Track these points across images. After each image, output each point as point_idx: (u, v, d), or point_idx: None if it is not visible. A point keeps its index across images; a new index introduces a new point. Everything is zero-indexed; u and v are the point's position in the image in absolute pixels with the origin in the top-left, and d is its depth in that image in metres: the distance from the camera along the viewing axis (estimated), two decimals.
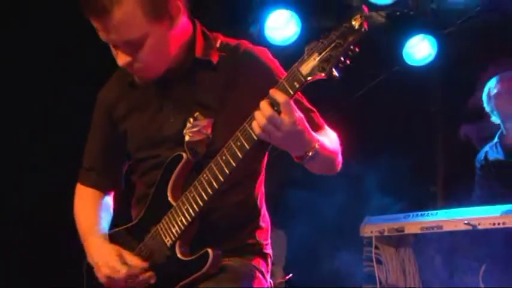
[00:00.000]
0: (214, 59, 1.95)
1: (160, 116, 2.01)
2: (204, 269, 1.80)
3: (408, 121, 4.75)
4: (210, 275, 1.83)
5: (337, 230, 4.11)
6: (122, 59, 1.83)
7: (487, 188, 4.08)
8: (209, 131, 1.92)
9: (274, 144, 1.76)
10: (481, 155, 4.15)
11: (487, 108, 4.09)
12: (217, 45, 1.99)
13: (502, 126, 4.06)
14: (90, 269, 2.01)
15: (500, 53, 4.23)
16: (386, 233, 3.53)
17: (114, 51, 1.89)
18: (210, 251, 1.82)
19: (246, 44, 2.04)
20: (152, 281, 1.87)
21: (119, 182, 2.18)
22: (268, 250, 2.05)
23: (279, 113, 1.56)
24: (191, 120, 1.93)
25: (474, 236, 3.42)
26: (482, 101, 4.10)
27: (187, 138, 1.94)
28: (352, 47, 1.54)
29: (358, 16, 1.55)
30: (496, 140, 4.13)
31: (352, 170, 3.72)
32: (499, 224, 3.28)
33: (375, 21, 3.95)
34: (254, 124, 1.63)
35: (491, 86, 4.04)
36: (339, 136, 1.96)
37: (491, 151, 4.17)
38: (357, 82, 4.39)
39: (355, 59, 1.57)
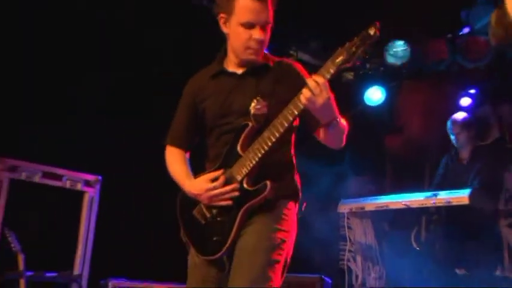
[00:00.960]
0: (271, 64, 2.52)
1: (232, 97, 2.52)
2: (264, 193, 2.31)
3: (367, 140, 5.48)
4: (263, 207, 2.34)
5: (324, 207, 4.86)
6: (261, 35, 2.37)
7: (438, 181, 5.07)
8: (266, 109, 2.43)
9: (312, 111, 2.23)
10: (443, 161, 5.09)
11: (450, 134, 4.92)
12: (270, 56, 2.61)
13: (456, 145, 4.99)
14: (183, 199, 2.54)
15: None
16: (353, 210, 4.78)
17: (246, 34, 2.41)
18: (268, 182, 2.33)
19: (287, 59, 2.66)
20: (235, 194, 2.36)
21: (193, 146, 2.69)
22: (300, 196, 2.57)
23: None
24: (255, 101, 2.45)
25: (408, 211, 4.57)
26: None
27: (252, 111, 2.44)
28: (369, 46, 2.11)
29: (372, 26, 2.14)
30: (452, 153, 5.01)
31: (332, 170, 4.98)
32: (423, 204, 4.46)
33: (348, 77, 5.22)
34: (301, 96, 2.15)
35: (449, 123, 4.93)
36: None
37: (448, 159, 5.10)
38: None
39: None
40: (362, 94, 5.59)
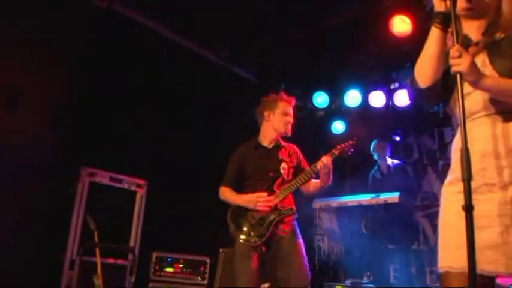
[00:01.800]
0: (283, 143, 3.71)
1: (267, 160, 3.58)
2: (292, 212, 3.46)
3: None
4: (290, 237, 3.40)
5: (304, 204, 4.99)
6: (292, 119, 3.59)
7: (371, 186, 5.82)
8: (287, 169, 3.60)
9: (321, 174, 3.38)
10: (371, 173, 5.92)
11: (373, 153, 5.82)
12: (281, 140, 3.74)
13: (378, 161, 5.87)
14: (234, 209, 3.54)
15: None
16: (323, 206, 5.59)
17: (286, 118, 3.59)
18: (293, 207, 3.51)
19: (289, 143, 3.77)
20: (274, 202, 3.40)
21: (236, 187, 3.65)
22: None
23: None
24: (283, 164, 3.59)
25: (360, 207, 5.41)
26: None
27: (282, 170, 3.58)
28: (349, 149, 3.44)
29: (353, 139, 3.47)
30: (376, 167, 5.90)
31: None
32: (369, 202, 5.30)
33: (320, 114, 6.19)
34: (319, 163, 3.35)
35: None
36: None
37: (374, 172, 5.95)
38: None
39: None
40: (330, 125, 6.45)
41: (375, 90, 5.75)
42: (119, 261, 4.80)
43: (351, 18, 4.92)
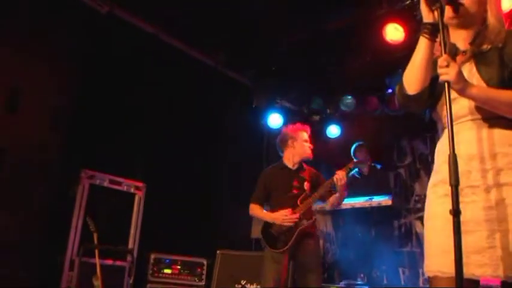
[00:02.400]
0: (304, 166, 4.22)
1: (291, 180, 4.03)
2: (312, 221, 3.96)
3: (330, 162, 5.67)
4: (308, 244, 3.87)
5: None
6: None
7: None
8: (308, 188, 4.04)
9: (338, 187, 3.84)
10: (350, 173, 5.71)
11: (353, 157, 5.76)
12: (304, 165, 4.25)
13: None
14: (265, 225, 4.01)
15: None
16: (318, 209, 5.50)
17: (307, 144, 4.14)
18: (314, 217, 4.01)
19: (311, 167, 4.23)
20: (295, 218, 3.86)
21: (264, 204, 4.16)
22: None
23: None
24: (306, 182, 4.04)
25: (354, 210, 5.51)
26: None
27: (305, 187, 4.05)
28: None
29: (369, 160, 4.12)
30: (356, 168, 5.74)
31: None
32: (363, 205, 5.41)
33: (315, 119, 6.23)
34: (336, 176, 3.76)
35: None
36: None
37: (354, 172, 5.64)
38: None
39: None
40: (325, 129, 6.54)
41: (369, 95, 5.84)
42: (118, 263, 4.86)
43: (346, 25, 5.01)
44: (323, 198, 4.13)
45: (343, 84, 5.86)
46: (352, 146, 5.91)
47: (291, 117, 6.11)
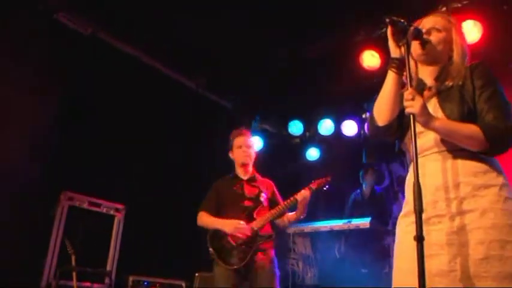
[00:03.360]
0: (258, 176, 3.93)
1: (244, 190, 3.80)
2: (271, 238, 3.66)
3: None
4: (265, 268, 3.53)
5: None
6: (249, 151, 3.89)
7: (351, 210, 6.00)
8: (266, 197, 3.82)
9: (301, 205, 3.65)
10: (352, 196, 6.06)
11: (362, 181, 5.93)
12: (256, 173, 3.97)
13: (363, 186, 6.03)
14: (213, 233, 3.64)
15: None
16: (297, 231, 5.60)
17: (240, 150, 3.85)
18: (273, 233, 3.70)
19: (266, 177, 4.00)
20: (248, 234, 3.55)
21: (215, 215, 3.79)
22: None
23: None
24: (262, 194, 3.82)
25: (333, 232, 5.44)
26: None
27: (261, 198, 3.81)
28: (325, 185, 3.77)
29: (328, 178, 3.80)
30: (359, 190, 6.05)
31: None
32: (342, 227, 5.34)
33: (296, 141, 6.42)
34: (300, 194, 3.60)
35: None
36: None
37: (356, 195, 6.07)
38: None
39: None
40: (305, 152, 6.63)
41: (348, 119, 5.94)
42: (96, 285, 4.80)
43: (325, 51, 5.13)
44: (280, 216, 3.85)
45: (323, 108, 5.95)
46: (330, 168, 5.80)
47: (270, 140, 6.21)
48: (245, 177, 3.98)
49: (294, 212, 3.89)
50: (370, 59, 4.77)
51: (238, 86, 6.03)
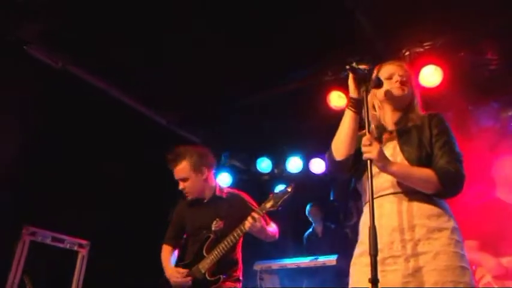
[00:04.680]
0: (224, 195, 3.59)
1: (201, 218, 3.45)
2: (219, 283, 3.22)
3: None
4: None
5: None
6: (184, 187, 3.40)
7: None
8: (222, 226, 3.42)
9: (253, 233, 3.27)
10: (306, 235, 6.15)
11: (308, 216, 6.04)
12: (224, 190, 3.61)
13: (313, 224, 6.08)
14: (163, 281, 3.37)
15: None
16: (264, 268, 5.50)
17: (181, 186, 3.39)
18: (221, 276, 3.24)
19: (235, 190, 3.69)
20: (187, 281, 3.23)
21: (179, 245, 3.64)
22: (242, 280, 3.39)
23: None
24: (214, 221, 3.46)
25: (300, 269, 5.42)
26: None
27: (213, 228, 3.46)
28: (283, 197, 3.27)
29: (290, 186, 3.38)
30: (311, 229, 6.12)
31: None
32: (308, 264, 5.33)
33: (265, 178, 6.44)
34: (246, 223, 3.20)
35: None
36: None
37: (309, 234, 6.16)
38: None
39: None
40: (273, 189, 5.99)
41: (316, 157, 5.99)
42: None
43: (294, 89, 5.20)
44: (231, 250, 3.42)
45: (291, 146, 5.99)
46: (299, 206, 6.01)
47: (239, 176, 6.19)
48: (206, 199, 3.59)
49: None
50: (337, 100, 4.89)
51: (208, 122, 6.01)
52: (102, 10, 4.09)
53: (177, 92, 5.33)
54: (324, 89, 5.03)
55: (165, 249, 3.65)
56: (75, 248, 5.09)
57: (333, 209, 6.28)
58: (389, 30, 4.48)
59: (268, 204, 3.31)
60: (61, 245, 4.96)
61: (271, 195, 3.37)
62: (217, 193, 3.59)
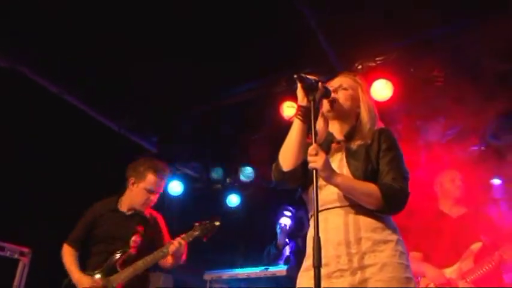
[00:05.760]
0: (146, 213, 3.52)
1: (121, 229, 3.34)
2: None
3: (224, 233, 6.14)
4: None
5: (194, 276, 5.61)
6: (155, 199, 3.39)
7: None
8: (140, 242, 3.36)
9: (173, 257, 3.26)
10: (268, 248, 5.96)
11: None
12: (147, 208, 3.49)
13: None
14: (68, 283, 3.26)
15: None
16: (214, 278, 5.44)
17: (147, 195, 3.31)
18: None
19: (155, 212, 3.58)
20: None
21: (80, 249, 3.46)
22: None
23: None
24: (134, 236, 3.37)
25: (250, 279, 5.37)
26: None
27: (131, 243, 3.36)
28: (212, 231, 3.29)
29: (217, 219, 3.38)
30: (273, 243, 5.93)
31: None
32: (259, 275, 5.28)
33: (217, 187, 6.34)
34: (172, 247, 3.22)
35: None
36: None
37: (271, 247, 6.02)
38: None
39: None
40: (225, 199, 6.61)
41: (268, 167, 5.92)
42: None
43: (249, 99, 5.23)
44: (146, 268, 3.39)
45: (243, 155, 5.98)
46: (251, 215, 6.00)
47: (191, 185, 6.11)
48: (128, 212, 3.47)
49: (169, 261, 3.46)
50: (289, 110, 4.91)
51: (161, 129, 5.94)
52: (52, 11, 4.00)
53: (130, 99, 5.25)
54: (277, 100, 5.04)
55: (69, 251, 3.47)
56: (16, 256, 4.90)
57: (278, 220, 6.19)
58: (343, 43, 4.55)
59: (196, 233, 3.32)
60: (1, 253, 4.79)
61: (197, 224, 3.37)
62: (142, 209, 3.53)
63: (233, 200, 6.59)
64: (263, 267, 5.48)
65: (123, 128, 5.85)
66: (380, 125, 2.34)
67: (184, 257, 3.37)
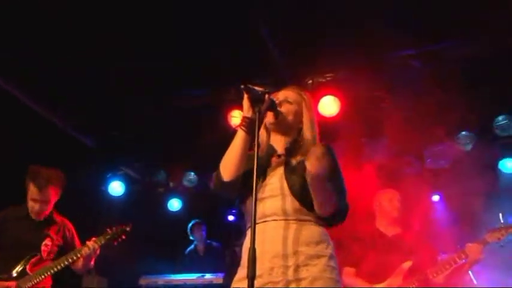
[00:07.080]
0: (57, 219, 3.59)
1: (29, 234, 3.38)
2: None
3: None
4: None
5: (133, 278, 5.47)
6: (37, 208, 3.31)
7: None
8: (50, 247, 3.42)
9: (84, 260, 3.34)
10: (188, 251, 6.12)
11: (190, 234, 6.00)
12: (55, 214, 3.54)
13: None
14: None
15: None
16: (150, 283, 5.37)
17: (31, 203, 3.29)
18: None
19: (64, 218, 3.62)
20: None
21: None
22: None
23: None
24: (45, 241, 3.43)
25: (186, 285, 5.30)
26: None
27: (42, 247, 3.42)
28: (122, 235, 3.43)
29: (128, 224, 3.48)
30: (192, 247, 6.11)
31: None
32: (195, 282, 5.29)
33: (160, 190, 6.28)
34: (85, 249, 3.28)
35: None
36: None
37: (191, 251, 6.15)
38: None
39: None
40: (167, 203, 6.57)
41: (212, 173, 5.92)
42: None
43: (197, 105, 5.24)
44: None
45: (187, 160, 5.93)
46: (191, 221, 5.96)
47: (133, 187, 6.00)
48: (37, 219, 3.50)
49: (80, 263, 3.54)
50: (237, 120, 4.89)
51: (106, 128, 5.82)
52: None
53: (77, 97, 5.12)
54: (226, 108, 5.04)
55: None
56: None
57: (218, 227, 6.35)
58: (296, 57, 4.60)
59: (107, 237, 3.46)
60: None
61: (108, 229, 3.51)
62: (52, 215, 3.61)
63: (175, 204, 6.52)
64: (199, 274, 5.47)
65: (69, 127, 5.67)
66: (319, 141, 2.34)
67: (93, 262, 3.46)
